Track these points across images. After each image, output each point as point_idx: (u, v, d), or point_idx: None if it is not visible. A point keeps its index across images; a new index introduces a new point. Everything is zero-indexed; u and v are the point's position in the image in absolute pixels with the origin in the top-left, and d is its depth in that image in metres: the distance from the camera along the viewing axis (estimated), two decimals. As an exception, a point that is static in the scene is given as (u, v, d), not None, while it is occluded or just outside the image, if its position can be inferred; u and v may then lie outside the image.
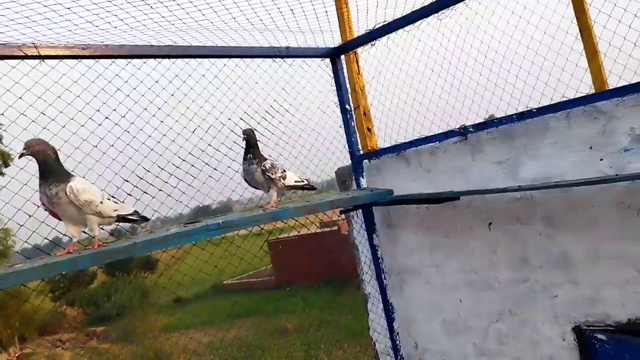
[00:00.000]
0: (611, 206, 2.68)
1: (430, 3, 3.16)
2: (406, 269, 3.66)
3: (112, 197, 2.48)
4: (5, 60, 2.45)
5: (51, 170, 2.28)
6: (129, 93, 2.76)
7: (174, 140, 2.92)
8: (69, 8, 2.31)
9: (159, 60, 2.93)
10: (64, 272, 2.19)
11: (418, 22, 3.31)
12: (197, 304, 26.23)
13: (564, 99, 2.83)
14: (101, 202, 2.37)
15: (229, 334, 21.05)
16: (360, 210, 3.75)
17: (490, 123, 3.07)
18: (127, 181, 2.74)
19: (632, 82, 2.61)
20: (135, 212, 2.56)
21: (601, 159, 2.69)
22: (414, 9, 3.26)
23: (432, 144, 3.40)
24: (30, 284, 2.58)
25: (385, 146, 3.79)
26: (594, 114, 2.72)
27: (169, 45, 2.94)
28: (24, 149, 2.25)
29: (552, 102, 2.88)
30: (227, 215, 2.89)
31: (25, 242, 2.46)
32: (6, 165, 15.27)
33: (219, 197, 3.32)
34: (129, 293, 25.34)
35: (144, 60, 2.87)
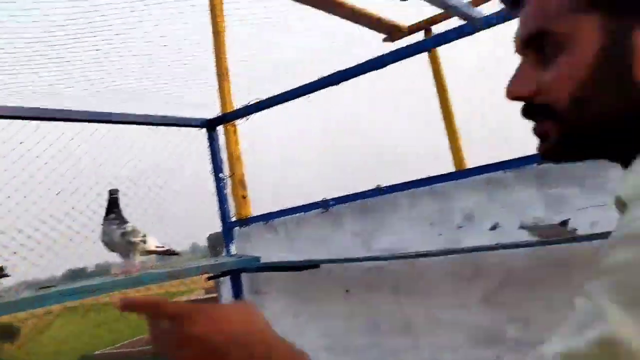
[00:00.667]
0: (447, 276, 3.01)
1: (288, 90, 3.48)
2: (271, 335, 3.75)
3: None
4: None
5: None
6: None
7: (34, 203, 2.88)
8: None
9: (26, 122, 2.92)
10: None
11: (277, 106, 3.60)
12: (64, 377, 24.00)
13: (410, 180, 3.19)
14: None
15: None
16: (229, 277, 3.83)
17: (348, 197, 3.37)
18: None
19: (464, 169, 3.02)
20: None
21: (439, 234, 3.04)
22: (285, 90, 3.55)
23: (298, 214, 3.63)
24: None
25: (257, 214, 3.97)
26: (434, 194, 3.09)
27: (36, 108, 2.96)
28: None
29: (400, 182, 3.23)
30: (87, 280, 2.86)
31: None
32: None
33: (96, 259, 3.27)
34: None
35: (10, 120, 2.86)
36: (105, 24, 2.74)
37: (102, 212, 3.21)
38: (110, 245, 2.97)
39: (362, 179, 3.59)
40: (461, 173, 3.07)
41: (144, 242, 2.99)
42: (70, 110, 3.12)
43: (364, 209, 3.34)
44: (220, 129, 4.05)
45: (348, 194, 3.43)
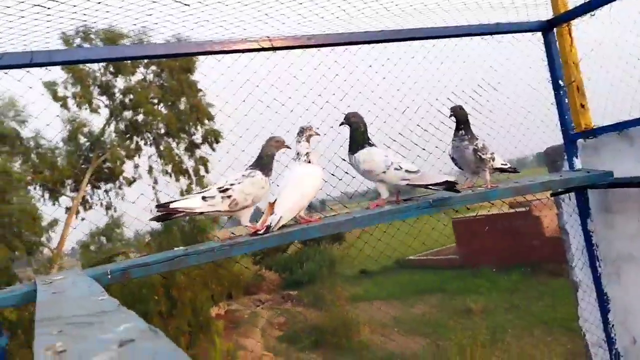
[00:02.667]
0: None
1: None
2: (625, 257, 3.38)
3: (410, 170, 2.65)
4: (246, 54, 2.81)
5: (354, 139, 2.70)
6: (346, 78, 2.97)
7: (385, 122, 3.07)
8: (300, 3, 2.57)
9: (373, 45, 3.08)
10: (296, 241, 2.47)
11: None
12: (382, 277, 26.89)
13: None
14: (384, 172, 2.63)
15: (413, 309, 21.29)
16: (573, 193, 3.54)
17: None
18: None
19: None
20: (446, 182, 2.57)
21: None
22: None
23: (663, 121, 3.07)
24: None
25: (601, 124, 3.52)
26: None
27: (381, 31, 3.08)
28: (344, 119, 2.71)
29: None
30: (436, 194, 2.95)
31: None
32: (217, 141, 17.34)
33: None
34: (318, 262, 26.94)
35: (359, 46, 3.05)
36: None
37: (433, 130, 3.27)
38: (460, 160, 3.00)
39: None
40: None
41: (492, 159, 2.93)
42: (410, 29, 3.18)
43: None
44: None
45: None
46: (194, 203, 2.36)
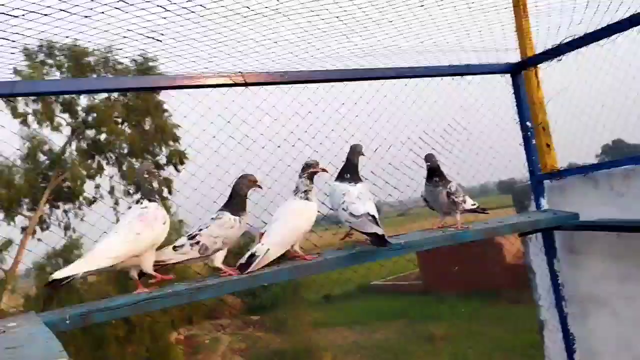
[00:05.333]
0: None
1: (631, 16, 2.92)
2: (590, 299, 3.43)
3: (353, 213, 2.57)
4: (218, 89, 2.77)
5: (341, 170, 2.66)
6: (318, 115, 2.96)
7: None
8: (275, 42, 2.55)
9: (346, 83, 3.08)
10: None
11: (614, 36, 3.08)
12: (345, 302, 26.79)
13: None
14: (336, 210, 2.59)
15: (375, 335, 21.24)
16: (540, 233, 3.58)
17: None
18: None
19: None
20: (374, 234, 2.43)
21: None
22: (610, 22, 3.04)
23: (627, 166, 3.14)
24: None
25: (565, 165, 3.61)
26: None
27: (354, 69, 3.09)
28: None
29: None
30: (408, 235, 2.94)
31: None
32: (182, 163, 17.11)
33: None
34: (283, 286, 26.60)
35: (332, 84, 3.04)
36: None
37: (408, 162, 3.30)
38: (433, 203, 3.03)
39: None
40: None
41: (464, 201, 2.95)
42: (383, 69, 3.19)
43: None
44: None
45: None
46: (166, 255, 2.37)
